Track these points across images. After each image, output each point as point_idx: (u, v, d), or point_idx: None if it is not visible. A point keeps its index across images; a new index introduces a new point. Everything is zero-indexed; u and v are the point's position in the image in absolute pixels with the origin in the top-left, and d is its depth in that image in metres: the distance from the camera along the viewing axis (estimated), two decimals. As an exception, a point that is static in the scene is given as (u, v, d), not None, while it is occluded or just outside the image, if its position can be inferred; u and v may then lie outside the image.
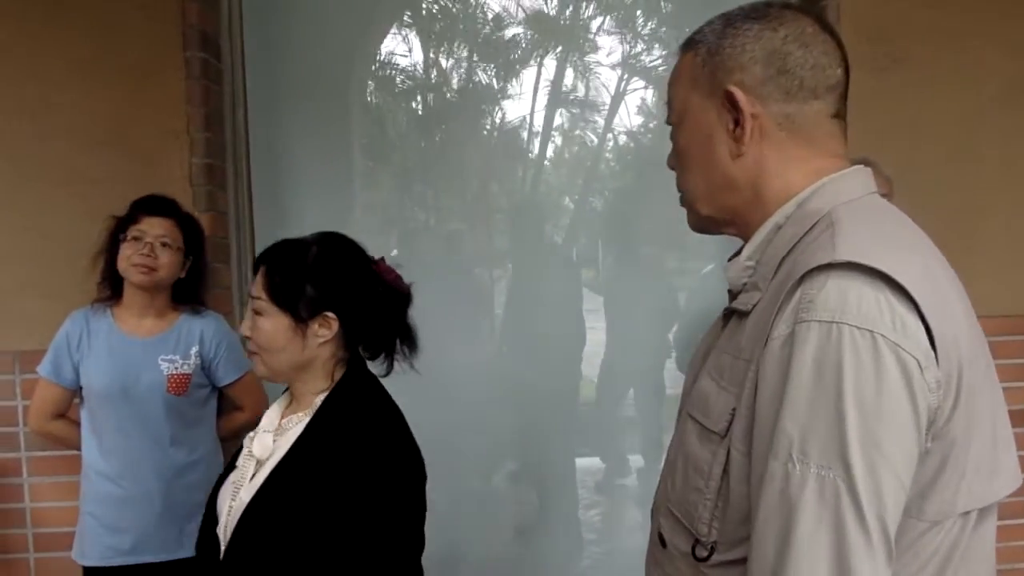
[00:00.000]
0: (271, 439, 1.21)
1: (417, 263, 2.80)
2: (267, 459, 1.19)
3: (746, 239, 0.86)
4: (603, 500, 3.02)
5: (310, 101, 2.53)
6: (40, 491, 2.17)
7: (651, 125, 3.58)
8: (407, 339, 1.27)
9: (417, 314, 2.69)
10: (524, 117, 3.39)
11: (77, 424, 1.94)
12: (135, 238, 1.83)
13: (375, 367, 1.27)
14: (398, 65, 3.09)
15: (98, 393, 1.86)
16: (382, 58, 3.05)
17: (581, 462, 2.89)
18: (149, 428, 1.86)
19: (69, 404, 1.94)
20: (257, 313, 1.20)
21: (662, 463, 2.95)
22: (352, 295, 1.20)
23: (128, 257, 1.83)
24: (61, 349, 1.88)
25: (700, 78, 0.84)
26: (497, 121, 3.30)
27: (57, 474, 2.13)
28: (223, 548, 1.18)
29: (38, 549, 2.18)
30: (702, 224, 0.91)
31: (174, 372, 1.86)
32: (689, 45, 0.86)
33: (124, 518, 1.82)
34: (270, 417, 1.26)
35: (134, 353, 1.87)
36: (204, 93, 2.12)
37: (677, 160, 0.90)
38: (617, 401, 3.05)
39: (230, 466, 1.26)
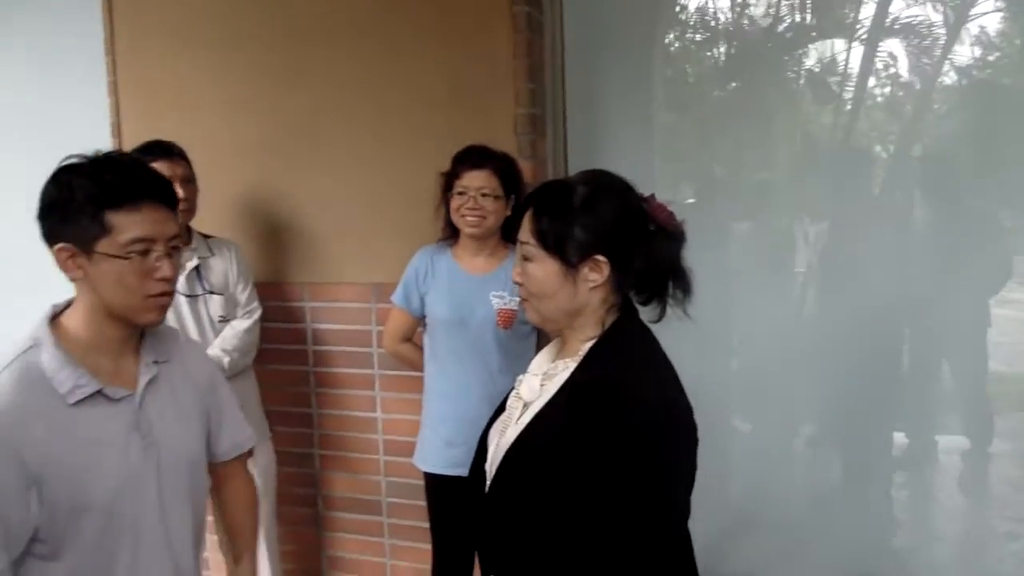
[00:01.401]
0: (538, 382, 1.19)
1: (718, 214, 2.71)
2: (533, 402, 1.18)
3: None
4: (920, 481, 2.72)
5: (619, 50, 2.54)
6: (389, 404, 2.52)
7: (991, 58, 3.05)
8: (680, 281, 1.16)
9: (721, 266, 2.61)
10: (835, 58, 3.09)
11: (421, 349, 2.21)
12: (460, 192, 2.02)
13: (647, 313, 1.20)
14: (701, 9, 2.98)
15: (439, 322, 2.09)
16: (686, 2, 2.96)
17: (898, 436, 2.63)
18: (481, 357, 2.06)
19: (415, 330, 2.21)
20: (526, 259, 1.16)
21: (992, 446, 2.53)
22: (622, 236, 1.12)
23: (457, 210, 2.03)
24: (410, 282, 2.15)
25: None
26: (806, 64, 3.04)
27: (402, 391, 2.46)
28: (488, 484, 1.21)
29: (387, 453, 2.55)
30: None
31: (503, 307, 2.03)
32: None
33: (458, 435, 2.02)
34: (539, 361, 1.26)
35: (470, 288, 2.06)
36: (528, 45, 2.24)
37: None
38: (934, 374, 2.71)
39: (501, 406, 1.28)
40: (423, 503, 2.24)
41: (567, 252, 1.12)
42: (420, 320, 2.17)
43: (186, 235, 2.33)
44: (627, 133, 2.53)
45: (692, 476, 1.13)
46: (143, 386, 1.23)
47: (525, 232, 1.16)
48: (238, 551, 1.49)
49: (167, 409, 1.26)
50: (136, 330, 1.25)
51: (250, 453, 2.27)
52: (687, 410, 1.13)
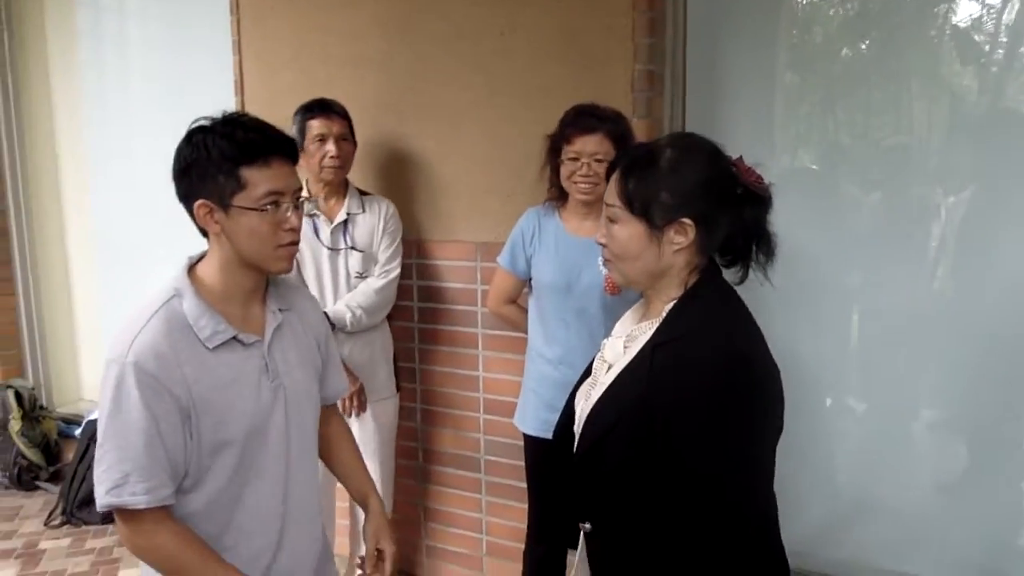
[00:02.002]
0: (622, 345, 1.21)
1: (842, 181, 2.54)
2: (615, 364, 1.20)
3: None
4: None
5: (744, 5, 2.39)
6: (491, 363, 2.53)
7: None
8: (764, 245, 1.18)
9: (843, 237, 2.44)
10: (984, 12, 2.80)
11: (525, 311, 2.19)
12: (572, 158, 1.95)
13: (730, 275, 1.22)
14: (837, -41, 2.75)
15: (545, 285, 2.07)
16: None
17: (1033, 425, 2.41)
18: (587, 322, 2.02)
19: (520, 292, 2.19)
20: (611, 221, 1.17)
21: None
22: (709, 199, 1.13)
23: (569, 176, 1.97)
24: (516, 244, 2.12)
25: None
26: (950, 20, 2.77)
27: (505, 351, 2.46)
28: (576, 444, 1.24)
29: (487, 411, 2.57)
30: None
31: (611, 272, 1.98)
32: None
33: (559, 399, 1.96)
34: (623, 323, 1.27)
35: (577, 252, 2.02)
36: (649, -3, 2.14)
37: None
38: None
39: (588, 370, 1.31)
40: (520, 463, 2.25)
41: (653, 215, 1.13)
42: (525, 282, 2.15)
43: (342, 190, 2.39)
44: (748, 93, 2.40)
45: (775, 431, 1.14)
46: (271, 332, 1.31)
47: (611, 194, 1.17)
48: (362, 489, 1.53)
49: (290, 353, 1.34)
50: (263, 279, 1.33)
51: (360, 404, 2.35)
52: (768, 365, 1.13)
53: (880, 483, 2.41)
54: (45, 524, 3.36)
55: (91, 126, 3.91)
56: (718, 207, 1.13)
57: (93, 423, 3.53)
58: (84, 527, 3.33)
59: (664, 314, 1.16)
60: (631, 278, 1.19)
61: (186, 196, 1.25)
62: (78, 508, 3.38)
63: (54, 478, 3.72)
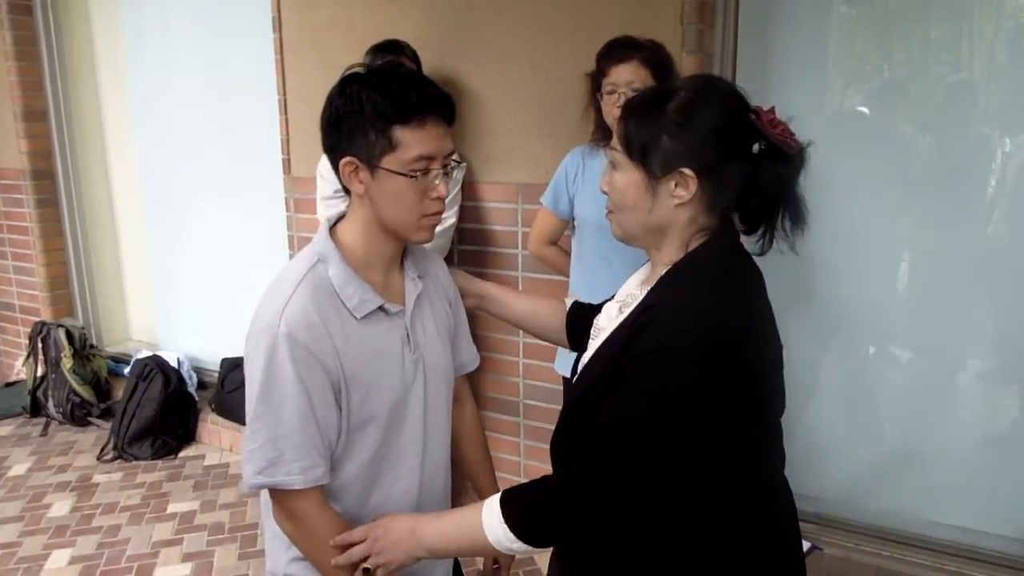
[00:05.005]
0: (617, 309, 1.12)
1: (896, 123, 2.43)
2: (605, 329, 1.11)
3: None
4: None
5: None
6: (530, 307, 2.51)
7: None
8: (791, 210, 1.04)
9: (894, 180, 2.35)
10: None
11: (566, 253, 2.17)
12: (609, 91, 1.90)
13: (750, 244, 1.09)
14: None
15: (588, 224, 2.04)
16: None
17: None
18: (630, 261, 1.98)
19: (561, 233, 2.16)
20: (612, 167, 1.08)
21: None
22: (718, 151, 1.01)
23: (609, 112, 1.91)
24: (560, 183, 2.09)
25: None
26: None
27: (546, 295, 2.43)
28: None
29: (526, 356, 2.57)
30: None
31: (656, 211, 1.94)
32: None
33: None
34: (625, 287, 1.18)
35: (622, 190, 1.98)
36: (702, -76, 2.04)
37: None
38: None
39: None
40: (558, 407, 2.24)
41: (651, 162, 1.02)
42: (567, 223, 2.12)
43: None
44: (803, 29, 2.29)
45: (764, 420, 1.04)
46: (412, 301, 1.24)
47: (616, 137, 1.08)
48: (485, 494, 1.45)
49: (427, 323, 1.27)
50: (402, 246, 1.25)
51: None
52: (765, 346, 1.02)
53: (925, 433, 2.37)
54: (97, 458, 3.49)
55: (131, 65, 3.92)
56: (728, 160, 1.02)
57: (140, 362, 3.63)
58: (134, 462, 3.45)
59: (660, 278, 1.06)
60: (628, 231, 1.09)
61: (332, 149, 1.15)
62: (128, 444, 3.50)
63: (105, 414, 3.85)
